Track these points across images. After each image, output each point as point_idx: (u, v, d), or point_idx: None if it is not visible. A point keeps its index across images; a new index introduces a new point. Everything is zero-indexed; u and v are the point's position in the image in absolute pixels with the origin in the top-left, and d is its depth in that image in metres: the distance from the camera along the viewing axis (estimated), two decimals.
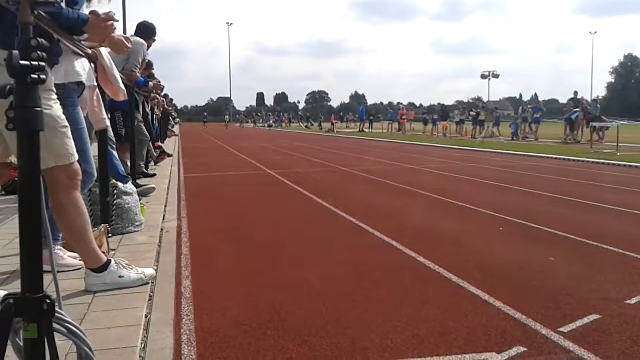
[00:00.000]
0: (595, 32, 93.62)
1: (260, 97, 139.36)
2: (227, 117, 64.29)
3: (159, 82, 10.12)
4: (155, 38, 7.29)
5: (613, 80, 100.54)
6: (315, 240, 4.59)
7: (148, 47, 7.04)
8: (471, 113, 28.29)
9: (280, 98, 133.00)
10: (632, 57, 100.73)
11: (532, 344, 2.44)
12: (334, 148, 18.62)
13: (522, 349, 2.38)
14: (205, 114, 66.86)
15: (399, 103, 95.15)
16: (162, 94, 13.16)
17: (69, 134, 2.71)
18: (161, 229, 4.67)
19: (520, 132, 25.13)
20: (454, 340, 2.47)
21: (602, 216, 5.80)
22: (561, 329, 2.59)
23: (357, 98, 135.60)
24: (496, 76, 26.39)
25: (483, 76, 26.66)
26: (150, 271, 3.17)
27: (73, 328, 1.55)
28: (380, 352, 2.33)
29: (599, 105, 24.22)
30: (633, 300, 3.02)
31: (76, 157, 2.75)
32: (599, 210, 6.10)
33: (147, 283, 3.08)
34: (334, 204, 6.23)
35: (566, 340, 2.47)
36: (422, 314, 2.82)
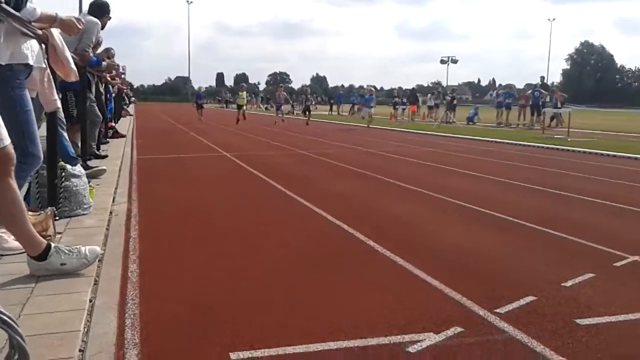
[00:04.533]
0: (554, 19, 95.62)
1: (220, 77, 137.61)
2: (243, 94, 26.89)
3: (114, 62, 9.91)
4: (110, 16, 7.12)
5: (569, 67, 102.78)
6: (268, 224, 4.61)
7: (102, 25, 6.87)
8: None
9: (241, 79, 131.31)
10: (588, 45, 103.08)
11: (469, 324, 2.53)
12: (294, 131, 18.56)
13: (459, 329, 2.47)
14: (203, 88, 39.09)
15: (360, 86, 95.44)
16: (121, 71, 12.88)
17: None
18: (110, 212, 4.61)
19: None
20: (395, 321, 2.54)
21: (548, 201, 5.99)
22: (498, 310, 2.70)
23: (319, 80, 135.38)
24: (455, 62, 26.74)
25: (442, 61, 26.93)
26: (94, 251, 3.09)
27: (4, 317, 1.54)
28: (325, 334, 2.39)
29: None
30: (569, 283, 3.15)
31: (7, 141, 2.65)
32: (545, 195, 6.30)
33: (92, 264, 3.04)
34: (289, 187, 6.25)
35: (502, 321, 2.57)
36: (368, 297, 2.88)
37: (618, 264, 3.56)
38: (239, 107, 24.93)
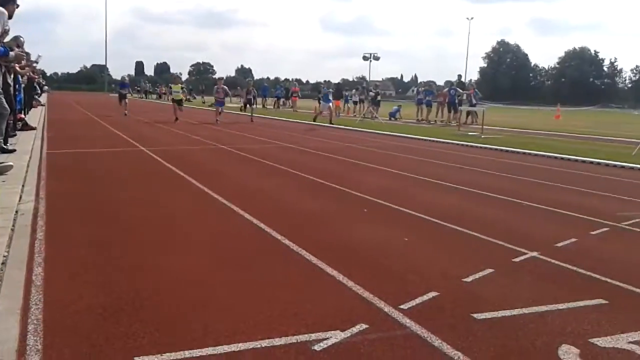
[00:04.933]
0: (472, 18, 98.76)
1: (139, 66, 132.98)
2: (178, 87, 20.65)
3: (23, 51, 9.42)
4: (17, 4, 6.81)
5: (486, 65, 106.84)
6: (182, 223, 4.56)
7: (10, 14, 6.55)
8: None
9: (162, 68, 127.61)
10: (504, 43, 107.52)
11: (374, 321, 2.64)
12: (217, 125, 18.28)
13: (364, 326, 2.57)
14: (126, 77, 26.06)
15: (286, 79, 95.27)
16: (33, 59, 12.28)
17: None
18: (16, 212, 4.42)
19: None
20: (303, 320, 2.62)
21: (457, 197, 6.27)
22: (402, 307, 2.83)
23: (244, 72, 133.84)
24: (377, 59, 27.16)
25: (365, 58, 27.27)
26: None
27: None
28: (231, 335, 2.42)
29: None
30: (469, 278, 3.34)
31: None
32: (454, 192, 6.58)
33: None
34: (206, 185, 6.21)
35: (405, 317, 2.70)
36: (280, 297, 2.94)
37: (517, 259, 3.81)
38: (175, 101, 19.77)
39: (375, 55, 26.67)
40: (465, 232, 4.53)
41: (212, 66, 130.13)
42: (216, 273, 3.30)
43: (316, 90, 36.32)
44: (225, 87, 20.18)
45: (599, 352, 2.45)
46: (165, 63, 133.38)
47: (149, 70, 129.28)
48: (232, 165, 8.48)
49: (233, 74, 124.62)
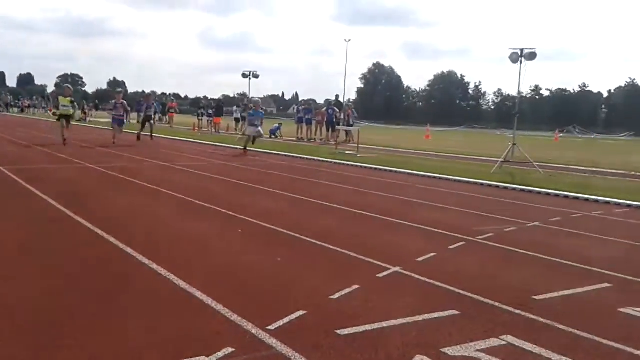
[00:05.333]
0: (350, 40, 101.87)
1: (0, 77, 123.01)
2: (67, 100, 15.30)
3: None
4: None
5: (362, 86, 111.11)
6: (41, 251, 4.28)
7: None
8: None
9: (25, 80, 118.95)
10: (380, 65, 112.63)
11: (241, 344, 2.65)
12: (85, 142, 17.35)
13: (230, 349, 2.58)
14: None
15: (163, 93, 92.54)
16: None
17: None
18: None
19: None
20: (167, 348, 2.57)
21: (330, 216, 6.45)
22: (269, 327, 2.87)
23: (116, 84, 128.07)
24: (257, 76, 27.12)
25: (244, 75, 27.19)
26: None
27: None
28: None
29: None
30: (336, 296, 3.46)
31: None
32: (328, 211, 6.77)
33: None
34: (71, 208, 5.86)
35: (271, 338, 2.74)
36: (144, 326, 2.86)
37: (381, 275, 3.99)
38: (63, 118, 15.10)
39: (255, 73, 26.64)
40: (335, 249, 4.67)
41: (82, 78, 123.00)
42: (74, 303, 3.14)
43: (195, 106, 35.56)
44: (124, 102, 17.72)
45: None
46: (29, 74, 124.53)
47: (12, 82, 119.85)
48: (102, 185, 8.10)
49: (105, 86, 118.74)
